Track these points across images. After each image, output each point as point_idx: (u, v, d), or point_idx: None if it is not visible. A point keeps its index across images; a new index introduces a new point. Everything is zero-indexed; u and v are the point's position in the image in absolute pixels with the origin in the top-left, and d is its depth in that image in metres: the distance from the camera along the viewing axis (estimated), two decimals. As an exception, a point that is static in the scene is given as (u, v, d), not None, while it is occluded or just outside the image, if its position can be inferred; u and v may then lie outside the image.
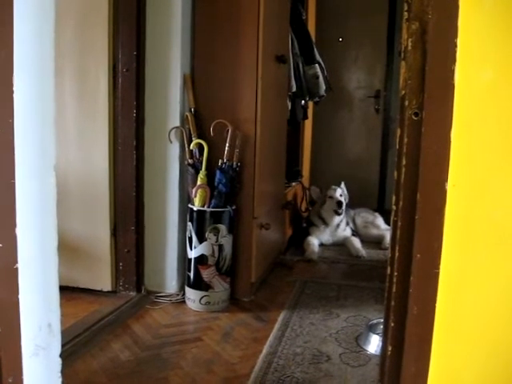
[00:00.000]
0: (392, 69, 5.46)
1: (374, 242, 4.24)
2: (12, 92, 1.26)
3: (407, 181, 1.06)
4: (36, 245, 1.44)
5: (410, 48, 1.03)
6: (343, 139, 5.72)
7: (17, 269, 1.31)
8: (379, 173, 5.67)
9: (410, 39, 1.02)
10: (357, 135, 5.72)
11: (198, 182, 2.71)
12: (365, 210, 4.62)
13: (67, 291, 2.71)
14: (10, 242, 1.29)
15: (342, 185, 4.24)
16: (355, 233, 4.28)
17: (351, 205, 4.49)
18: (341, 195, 4.12)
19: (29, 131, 1.37)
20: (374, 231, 4.36)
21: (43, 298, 1.49)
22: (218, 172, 2.71)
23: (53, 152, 1.49)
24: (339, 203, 4.06)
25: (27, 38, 1.34)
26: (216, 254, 2.71)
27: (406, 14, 1.03)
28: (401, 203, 1.07)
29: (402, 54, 1.04)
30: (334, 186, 4.16)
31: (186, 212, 2.82)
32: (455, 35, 0.97)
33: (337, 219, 4.13)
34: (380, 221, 4.48)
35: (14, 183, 1.29)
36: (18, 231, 1.31)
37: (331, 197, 4.11)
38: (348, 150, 5.72)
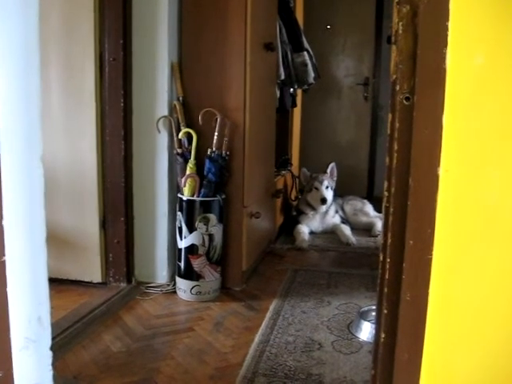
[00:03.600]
0: (380, 56, 5.46)
1: (364, 230, 4.25)
2: (-4, 81, 1.23)
3: (399, 166, 1.04)
4: (24, 237, 1.42)
5: (400, 32, 1.01)
6: (332, 127, 5.71)
7: (4, 262, 1.29)
8: (368, 160, 5.69)
9: (400, 23, 1.01)
10: (346, 123, 5.72)
11: (187, 172, 2.69)
12: (353, 197, 4.63)
13: (57, 283, 2.70)
14: (-3, 234, 1.27)
15: (329, 168, 4.22)
16: (345, 220, 4.28)
17: (340, 193, 4.49)
18: (327, 187, 4.12)
19: (14, 121, 1.35)
20: (364, 218, 4.37)
21: (32, 291, 1.47)
22: (207, 161, 2.69)
23: (40, 142, 1.47)
24: (323, 200, 4.07)
25: (10, 24, 1.31)
26: (206, 244, 2.69)
27: (396, -3, 1.02)
28: (393, 189, 1.06)
29: (393, 38, 1.02)
30: (321, 176, 4.15)
31: (175, 202, 2.81)
32: (446, 18, 0.96)
33: (324, 206, 4.13)
34: (369, 208, 4.49)
35: (-1, 174, 1.26)
36: (5, 223, 1.29)
37: (317, 188, 4.11)
38: (337, 137, 5.72)
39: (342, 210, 4.42)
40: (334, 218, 4.22)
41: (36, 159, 1.46)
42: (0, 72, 1.24)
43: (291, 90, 4.06)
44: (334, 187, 4.22)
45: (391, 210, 1.07)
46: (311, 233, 4.14)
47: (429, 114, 1.00)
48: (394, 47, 1.03)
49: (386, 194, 1.09)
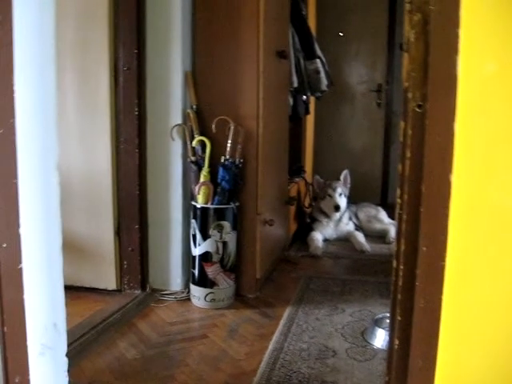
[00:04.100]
0: (393, 63, 5.46)
1: (378, 237, 4.23)
2: (13, 92, 1.26)
3: (412, 173, 1.05)
4: (40, 245, 1.44)
5: (412, 40, 1.02)
6: (345, 134, 5.71)
7: (21, 269, 1.32)
8: (382, 167, 5.67)
9: (412, 31, 1.01)
10: (359, 130, 5.71)
11: (201, 179, 2.70)
12: (367, 204, 4.61)
13: (72, 290, 2.71)
14: (14, 242, 1.29)
15: (343, 175, 4.21)
16: (358, 227, 4.27)
17: (354, 199, 4.48)
18: (341, 194, 4.11)
19: (31, 131, 1.37)
20: (378, 225, 4.35)
21: (48, 298, 1.49)
22: (220, 169, 2.71)
23: (56, 151, 1.49)
24: (336, 207, 4.07)
25: (27, 36, 1.34)
26: (220, 251, 2.70)
27: (408, 5, 1.02)
28: (405, 196, 1.07)
29: (405, 46, 1.03)
30: (334, 184, 4.15)
31: (189, 209, 2.82)
32: (457, 26, 0.97)
33: (338, 213, 4.12)
34: (383, 215, 4.47)
35: (16, 183, 1.29)
36: (22, 231, 1.31)
37: (331, 196, 4.11)
38: (350, 144, 5.71)
39: (356, 216, 4.41)
40: (347, 226, 4.21)
41: (52, 168, 1.48)
42: (16, 83, 1.26)
43: (304, 97, 4.07)
44: (347, 194, 4.21)
45: (404, 216, 1.08)
46: (325, 240, 4.13)
47: (441, 121, 1.00)
48: (405, 55, 1.04)
49: (398, 201, 1.09)
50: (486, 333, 1.07)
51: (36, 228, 1.41)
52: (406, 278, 1.08)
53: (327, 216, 4.16)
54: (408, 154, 1.05)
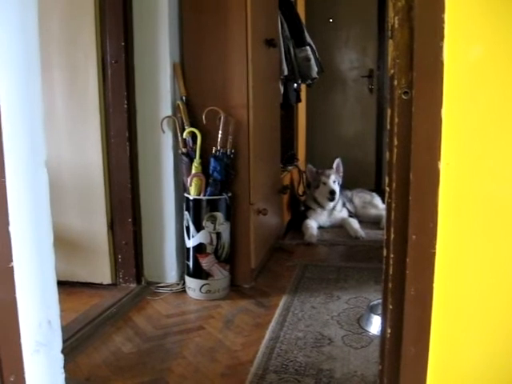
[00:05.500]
0: (384, 48, 5.42)
1: (373, 222, 4.23)
2: (-4, 89, 1.24)
3: (399, 161, 1.04)
4: (31, 242, 1.43)
5: (396, 26, 1.01)
6: (338, 120, 5.70)
7: (12, 267, 1.31)
8: (375, 152, 5.66)
9: (396, 17, 1.01)
10: (351, 116, 5.69)
11: (193, 171, 2.69)
12: (362, 190, 4.61)
13: (67, 286, 2.71)
14: (4, 240, 1.28)
15: (335, 164, 4.20)
16: (352, 214, 4.27)
17: (348, 185, 4.48)
18: (334, 181, 4.11)
19: (17, 129, 1.35)
20: (373, 211, 4.35)
21: (41, 295, 1.48)
22: (212, 160, 2.70)
23: (43, 148, 1.48)
24: (332, 192, 4.06)
25: (9, 32, 1.32)
26: (214, 242, 2.70)
27: (391, -9, 1.01)
28: (394, 184, 1.06)
29: (390, 33, 1.02)
30: (327, 171, 4.14)
31: (182, 201, 2.81)
32: (442, 10, 0.96)
33: (332, 202, 4.12)
34: (378, 200, 4.47)
35: (4, 181, 1.27)
36: (12, 229, 1.30)
37: (325, 183, 4.10)
38: (343, 130, 5.70)
39: (351, 202, 4.41)
40: (341, 213, 4.21)
41: (40, 165, 1.47)
42: (1, 78, 1.24)
43: (295, 85, 4.05)
44: (340, 182, 4.20)
45: (393, 205, 1.07)
46: (319, 227, 4.13)
47: (428, 108, 1.00)
48: (390, 42, 1.03)
49: (387, 189, 1.09)
50: (478, 319, 1.07)
51: (26, 226, 1.40)
52: (396, 267, 1.08)
53: (320, 205, 4.16)
54: (395, 142, 1.04)
